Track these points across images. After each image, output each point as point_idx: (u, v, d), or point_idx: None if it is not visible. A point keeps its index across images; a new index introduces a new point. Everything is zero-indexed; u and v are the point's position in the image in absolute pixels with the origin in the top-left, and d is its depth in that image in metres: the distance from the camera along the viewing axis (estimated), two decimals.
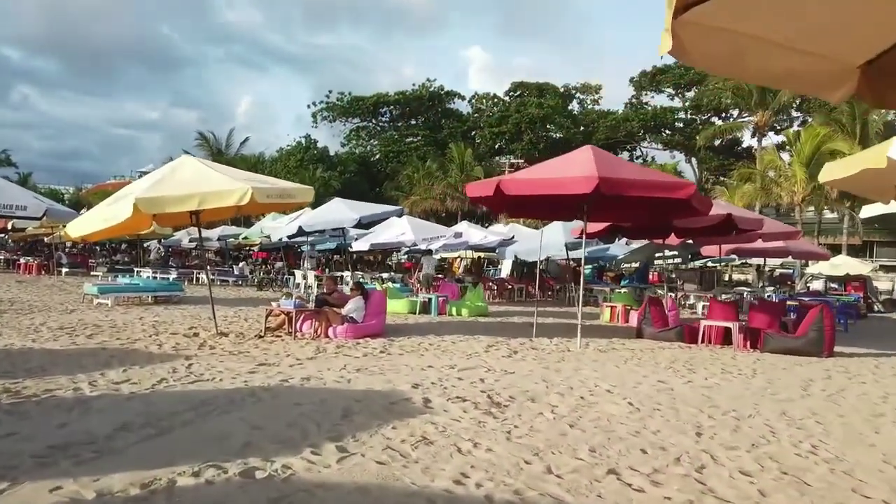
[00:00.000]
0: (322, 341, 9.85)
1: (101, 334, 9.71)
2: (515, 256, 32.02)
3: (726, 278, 37.90)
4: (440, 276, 23.92)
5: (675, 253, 19.53)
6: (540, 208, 10.69)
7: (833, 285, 28.06)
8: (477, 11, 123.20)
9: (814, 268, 28.34)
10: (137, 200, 8.32)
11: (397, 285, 19.10)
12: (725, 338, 11.20)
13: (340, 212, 13.56)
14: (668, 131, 60.47)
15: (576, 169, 8.55)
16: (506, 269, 31.09)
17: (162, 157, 58.11)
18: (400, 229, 19.91)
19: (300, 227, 13.56)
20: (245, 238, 22.82)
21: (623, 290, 19.02)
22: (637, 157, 64.64)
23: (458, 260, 41.44)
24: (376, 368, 7.41)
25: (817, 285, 28.73)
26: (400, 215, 16.97)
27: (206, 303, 16.42)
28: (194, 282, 24.54)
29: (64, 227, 18.36)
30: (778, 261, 32.84)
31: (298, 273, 22.55)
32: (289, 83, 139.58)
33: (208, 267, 29.12)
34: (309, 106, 64.76)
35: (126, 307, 14.58)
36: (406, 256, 41.48)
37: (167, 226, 13.85)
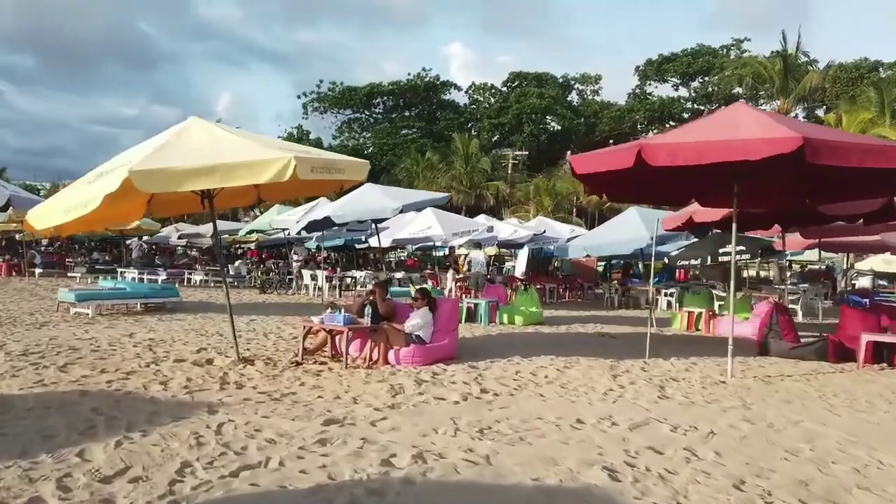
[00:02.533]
0: (382, 369, 7.28)
1: (78, 364, 7.04)
2: (530, 253, 29.60)
3: (744, 275, 35.78)
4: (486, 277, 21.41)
5: (742, 248, 17.14)
6: (666, 188, 8.20)
7: (882, 282, 25.98)
8: (459, 9, 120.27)
9: (862, 263, 26.20)
10: (132, 174, 5.68)
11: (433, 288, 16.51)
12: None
13: (377, 199, 11.00)
14: (672, 122, 58.36)
15: (753, 129, 6.08)
16: (519, 266, 28.66)
17: None
18: (425, 223, 17.38)
19: (327, 218, 10.97)
20: (250, 233, 20.08)
21: (695, 293, 16.61)
22: None
23: (464, 257, 39.03)
24: (507, 429, 4.85)
25: (864, 282, 26.64)
26: (446, 203, 14.43)
27: (205, 310, 13.76)
28: (186, 283, 21.76)
29: None
30: (808, 255, 30.72)
31: (306, 273, 19.87)
32: (269, 79, 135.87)
33: (198, 267, 26.36)
34: (299, 96, 61.79)
35: (110, 318, 11.86)
36: (406, 254, 38.90)
37: (164, 214, 11.16)
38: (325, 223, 11.10)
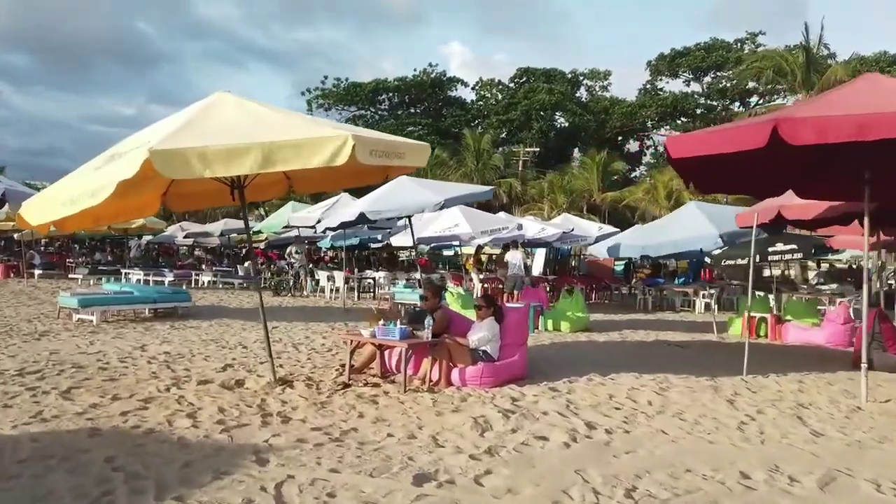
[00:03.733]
0: (446, 391, 6.10)
1: (84, 388, 5.85)
2: (547, 251, 28.37)
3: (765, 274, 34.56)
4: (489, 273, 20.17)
5: (794, 247, 15.92)
6: (765, 177, 7.00)
7: None
8: (456, 8, 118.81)
9: None
10: (154, 155, 4.49)
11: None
12: None
13: (416, 193, 9.80)
14: (685, 118, 57.14)
15: None
16: (537, 265, 27.50)
17: None
18: (451, 220, 16.17)
19: (361, 215, 9.78)
20: (258, 232, 18.84)
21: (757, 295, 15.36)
22: (649, 147, 61.53)
23: (474, 256, 37.79)
24: (660, 489, 3.65)
25: None
26: (491, 197, 13.23)
27: (220, 316, 12.55)
28: (193, 285, 20.54)
29: None
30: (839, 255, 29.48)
31: (322, 274, 18.66)
32: (267, 79, 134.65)
33: (205, 267, 25.13)
34: (303, 93, 60.30)
35: (117, 325, 10.67)
36: (415, 253, 37.65)
37: (183, 208, 9.88)
38: (359, 220, 9.93)
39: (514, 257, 16.24)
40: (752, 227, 9.52)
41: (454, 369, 6.40)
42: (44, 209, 5.25)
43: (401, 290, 15.18)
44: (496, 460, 4.08)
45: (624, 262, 35.42)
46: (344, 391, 6.03)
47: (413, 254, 37.83)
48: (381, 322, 6.36)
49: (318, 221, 13.66)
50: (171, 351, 8.13)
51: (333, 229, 12.28)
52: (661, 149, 61.55)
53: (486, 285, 18.03)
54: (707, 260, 23.54)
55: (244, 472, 3.74)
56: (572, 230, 20.31)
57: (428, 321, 6.30)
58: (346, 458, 4.05)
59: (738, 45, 55.30)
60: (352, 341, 6.57)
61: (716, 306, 18.66)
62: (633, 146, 61.71)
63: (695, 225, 10.67)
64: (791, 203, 8.35)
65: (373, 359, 6.82)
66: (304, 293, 18.75)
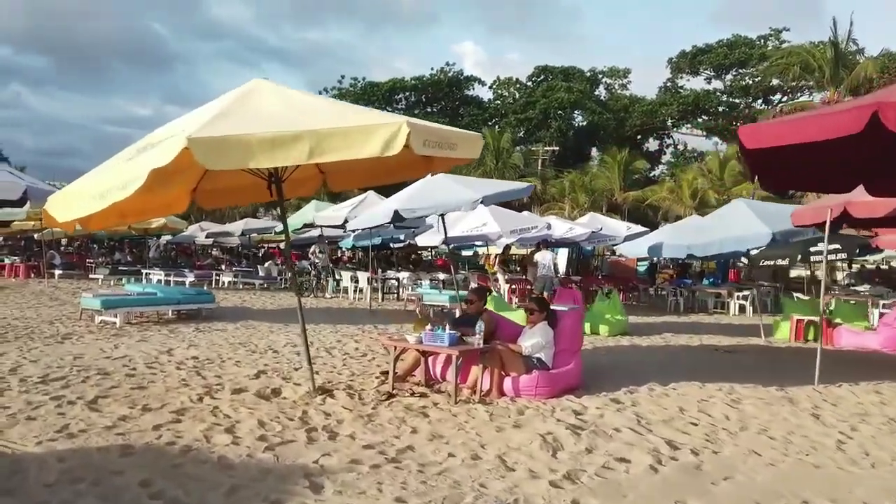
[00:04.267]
0: (498, 402, 5.62)
1: (112, 397, 5.44)
2: (569, 251, 27.76)
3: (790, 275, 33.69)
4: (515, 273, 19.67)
5: (837, 246, 15.27)
6: (835, 171, 6.44)
7: None
8: (467, 7, 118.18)
9: None
10: (192, 143, 4.05)
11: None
12: None
13: (452, 190, 9.32)
14: (706, 116, 56.16)
15: None
16: (560, 265, 26.91)
17: None
18: (480, 219, 15.68)
19: (396, 213, 9.33)
20: (294, 230, 18.43)
21: (798, 297, 14.79)
22: (669, 146, 60.64)
23: (494, 256, 37.21)
24: None
25: None
26: (531, 193, 12.73)
27: (244, 317, 12.15)
28: (213, 285, 20.19)
29: None
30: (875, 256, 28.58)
31: (345, 275, 18.25)
32: (280, 78, 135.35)
33: (224, 267, 24.85)
34: (320, 92, 60.12)
35: (141, 328, 10.31)
36: (434, 253, 37.20)
37: (213, 205, 9.45)
38: (393, 219, 9.47)
39: (544, 257, 15.71)
40: (808, 226, 8.97)
41: (506, 378, 5.92)
42: (71, 205, 4.83)
43: (428, 292, 14.71)
44: (580, 488, 3.60)
45: (647, 262, 34.71)
46: (389, 402, 5.57)
47: (432, 254, 37.49)
48: (429, 327, 5.89)
49: (346, 220, 13.23)
50: (199, 356, 7.72)
51: (372, 228, 11.78)
52: (681, 147, 60.68)
53: (514, 286, 17.55)
54: (744, 260, 22.79)
55: (298, 501, 3.29)
56: (601, 229, 19.74)
57: (479, 326, 5.82)
58: (410, 484, 3.58)
59: (762, 41, 54.28)
60: (395, 348, 6.11)
61: (751, 308, 18.05)
62: (652, 145, 60.86)
63: (745, 223, 10.09)
64: (857, 200, 7.78)
65: (416, 366, 6.36)
66: (327, 294, 18.34)
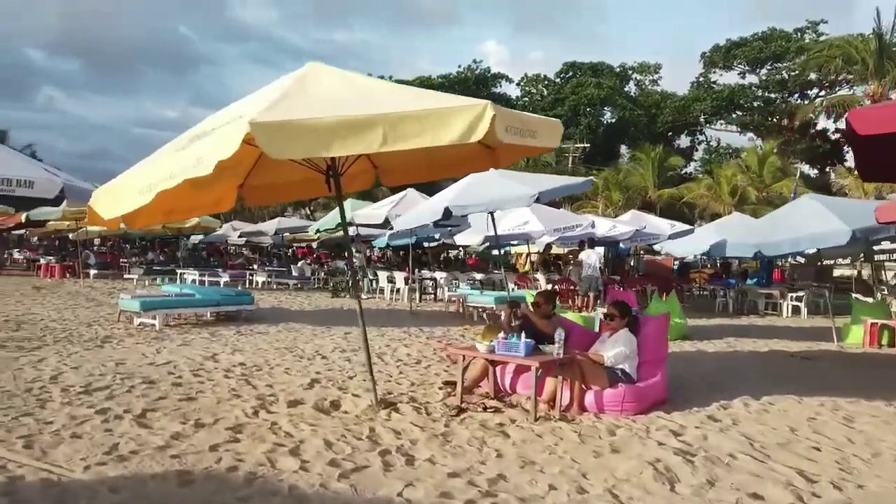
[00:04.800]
0: (580, 419, 5.05)
1: (161, 411, 5.00)
2: (605, 250, 26.98)
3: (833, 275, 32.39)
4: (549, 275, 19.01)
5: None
6: None
7: None
8: (489, 6, 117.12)
9: None
10: (255, 128, 3.56)
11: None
12: None
13: (506, 186, 8.75)
14: (739, 112, 54.69)
15: None
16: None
17: None
18: (521, 217, 15.10)
19: (447, 210, 8.80)
20: (319, 231, 18.03)
21: (870, 299, 13.94)
22: (701, 142, 59.20)
23: (525, 255, 36.53)
24: None
25: None
26: (589, 188, 12.14)
27: (284, 319, 11.72)
28: (247, 285, 19.89)
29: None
30: None
31: (382, 275, 17.80)
32: None
33: (256, 267, 24.61)
34: None
35: (180, 330, 9.94)
36: (465, 253, 36.58)
37: (261, 203, 8.86)
38: (444, 216, 8.95)
39: (589, 257, 15.08)
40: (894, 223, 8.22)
41: (587, 392, 5.35)
42: (117, 199, 4.39)
43: (469, 293, 14.17)
44: None
45: (679, 261, 33.66)
46: (461, 418, 5.04)
47: (463, 253, 36.90)
48: (502, 335, 5.34)
49: (386, 219, 12.75)
50: (245, 362, 7.28)
51: (414, 228, 11.26)
52: (713, 144, 59.15)
53: (555, 287, 16.91)
54: (801, 259, 21.82)
55: None
56: (644, 228, 18.98)
57: (559, 334, 5.25)
58: None
59: (798, 34, 52.66)
60: (464, 357, 5.57)
61: (805, 310, 17.19)
62: (683, 141, 59.51)
63: (820, 220, 9.35)
64: None
65: (483, 376, 5.82)
66: (363, 295, 17.89)
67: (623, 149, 57.24)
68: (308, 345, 8.74)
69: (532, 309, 6.19)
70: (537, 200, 8.49)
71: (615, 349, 5.51)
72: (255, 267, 23.69)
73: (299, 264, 22.68)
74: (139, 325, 10.23)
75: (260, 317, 11.86)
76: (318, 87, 4.63)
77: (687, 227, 20.71)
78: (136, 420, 4.71)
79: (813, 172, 50.87)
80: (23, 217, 18.02)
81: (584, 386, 5.34)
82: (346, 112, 3.94)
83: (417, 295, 17.28)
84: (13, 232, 28.73)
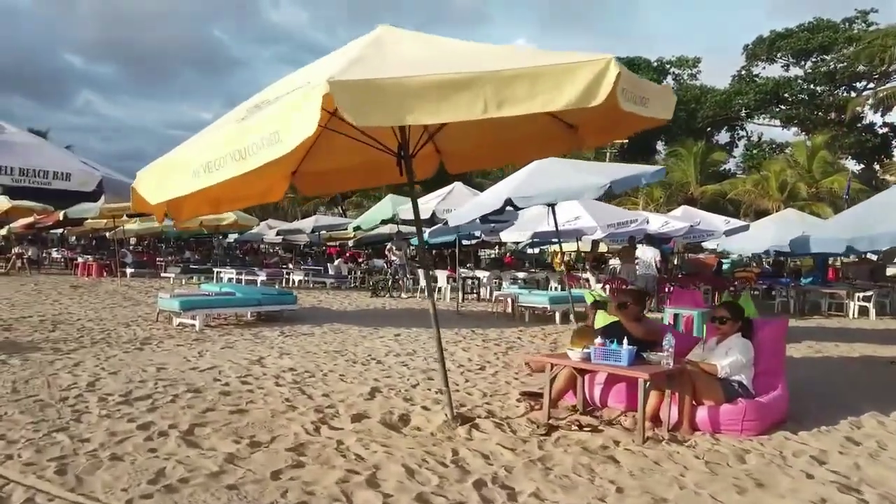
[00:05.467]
0: (697, 442, 4.28)
1: (210, 426, 4.37)
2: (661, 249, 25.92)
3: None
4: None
5: None
6: None
7: None
8: (519, 5, 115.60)
9: None
10: (336, 87, 2.89)
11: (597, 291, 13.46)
12: None
13: (569, 176, 7.96)
14: (783, 106, 52.73)
15: None
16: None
17: None
18: (571, 213, 14.28)
19: (508, 200, 8.06)
20: (360, 228, 17.45)
21: None
22: (741, 137, 57.30)
23: (560, 254, 35.51)
24: None
25: None
26: (663, 176, 11.31)
27: (327, 320, 11.08)
28: (283, 284, 19.40)
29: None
30: None
31: (423, 274, 17.11)
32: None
33: (292, 265, 24.16)
34: None
35: (221, 331, 9.40)
36: (500, 251, 35.73)
37: (315, 192, 7.98)
38: (504, 207, 8.19)
39: (646, 253, 14.22)
40: None
41: (698, 407, 4.57)
42: (166, 181, 3.76)
43: (520, 292, 13.39)
44: None
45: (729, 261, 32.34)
46: (555, 438, 4.31)
47: (498, 252, 36.03)
48: (598, 341, 4.59)
49: (433, 214, 12.08)
50: (295, 367, 6.66)
51: (481, 221, 10.48)
52: (754, 139, 57.15)
53: (608, 286, 16.04)
54: (874, 257, 20.56)
55: None
56: (698, 223, 17.97)
57: (669, 341, 4.49)
58: None
59: (847, 24, 50.57)
60: (551, 366, 4.83)
61: (874, 310, 16.04)
62: (723, 137, 57.70)
63: None
64: None
65: (570, 387, 5.08)
66: (403, 294, 17.22)
67: (659, 145, 55.74)
68: (358, 348, 8.09)
69: (619, 310, 5.42)
70: (609, 190, 7.69)
71: (730, 358, 4.71)
72: (291, 266, 23.27)
73: (336, 262, 22.16)
74: (178, 325, 9.72)
75: (302, 317, 11.29)
76: (400, 47, 3.93)
77: (741, 223, 19.64)
78: (183, 437, 4.09)
79: (858, 168, 48.86)
80: (60, 215, 17.80)
81: (695, 401, 4.57)
82: (442, 70, 3.23)
83: (459, 294, 16.55)
84: (51, 231, 28.89)
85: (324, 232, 22.39)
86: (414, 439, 4.22)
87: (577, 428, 4.54)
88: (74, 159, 9.07)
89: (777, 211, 31.73)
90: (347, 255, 28.11)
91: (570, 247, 29.92)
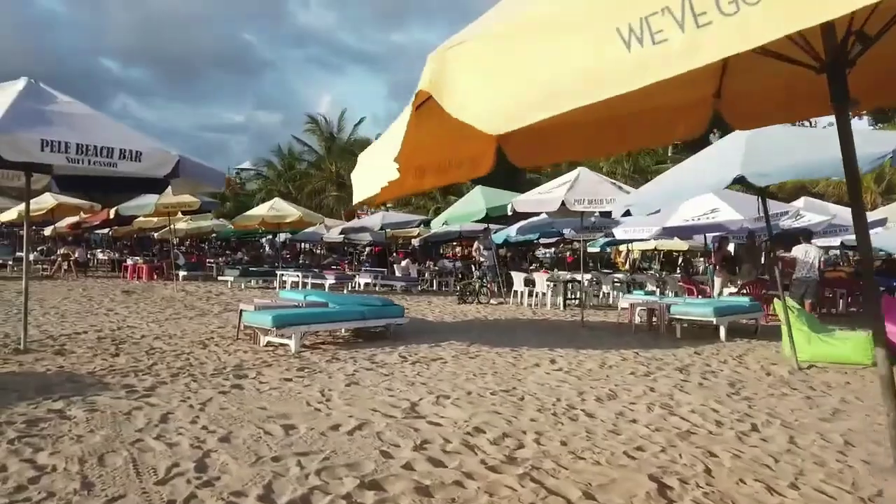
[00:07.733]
0: None
1: None
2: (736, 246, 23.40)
3: None
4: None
5: None
6: None
7: None
8: None
9: None
10: None
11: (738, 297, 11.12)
12: None
13: (821, 145, 5.70)
14: None
15: None
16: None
17: (250, 158, 53.72)
18: (706, 205, 11.99)
19: (741, 179, 5.82)
20: (445, 223, 15.36)
21: None
22: (814, 125, 53.76)
23: (625, 252, 33.05)
24: None
25: None
26: None
27: (444, 337, 8.67)
28: (351, 288, 17.42)
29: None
30: None
31: (517, 277, 14.95)
32: (364, 81, 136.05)
33: (357, 266, 22.23)
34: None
35: (323, 354, 7.36)
36: (554, 250, 33.42)
37: (532, 163, 6.25)
38: (734, 184, 5.93)
39: (808, 253, 11.87)
40: None
41: None
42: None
43: (672, 301, 11.04)
44: None
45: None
46: None
47: (555, 252, 33.70)
48: None
49: (562, 204, 9.91)
50: (480, 425, 4.52)
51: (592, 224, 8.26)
52: (808, 123, 53.62)
53: (743, 291, 13.62)
54: None
55: None
56: (833, 217, 15.44)
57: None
58: None
59: None
60: None
61: None
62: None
63: None
64: None
65: None
66: (493, 300, 15.07)
67: (711, 136, 52.75)
68: (525, 384, 5.94)
69: None
70: (891, 160, 5.40)
71: None
72: (346, 267, 21.36)
73: (403, 263, 20.13)
74: (266, 344, 7.74)
75: (407, 333, 9.18)
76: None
77: (879, 216, 17.03)
78: None
79: None
80: (111, 212, 16.09)
81: None
82: None
83: (561, 300, 14.33)
84: (97, 231, 27.49)
85: (388, 230, 20.36)
86: None
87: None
88: (146, 137, 7.13)
89: (872, 204, 29.03)
90: (397, 254, 26.18)
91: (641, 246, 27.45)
